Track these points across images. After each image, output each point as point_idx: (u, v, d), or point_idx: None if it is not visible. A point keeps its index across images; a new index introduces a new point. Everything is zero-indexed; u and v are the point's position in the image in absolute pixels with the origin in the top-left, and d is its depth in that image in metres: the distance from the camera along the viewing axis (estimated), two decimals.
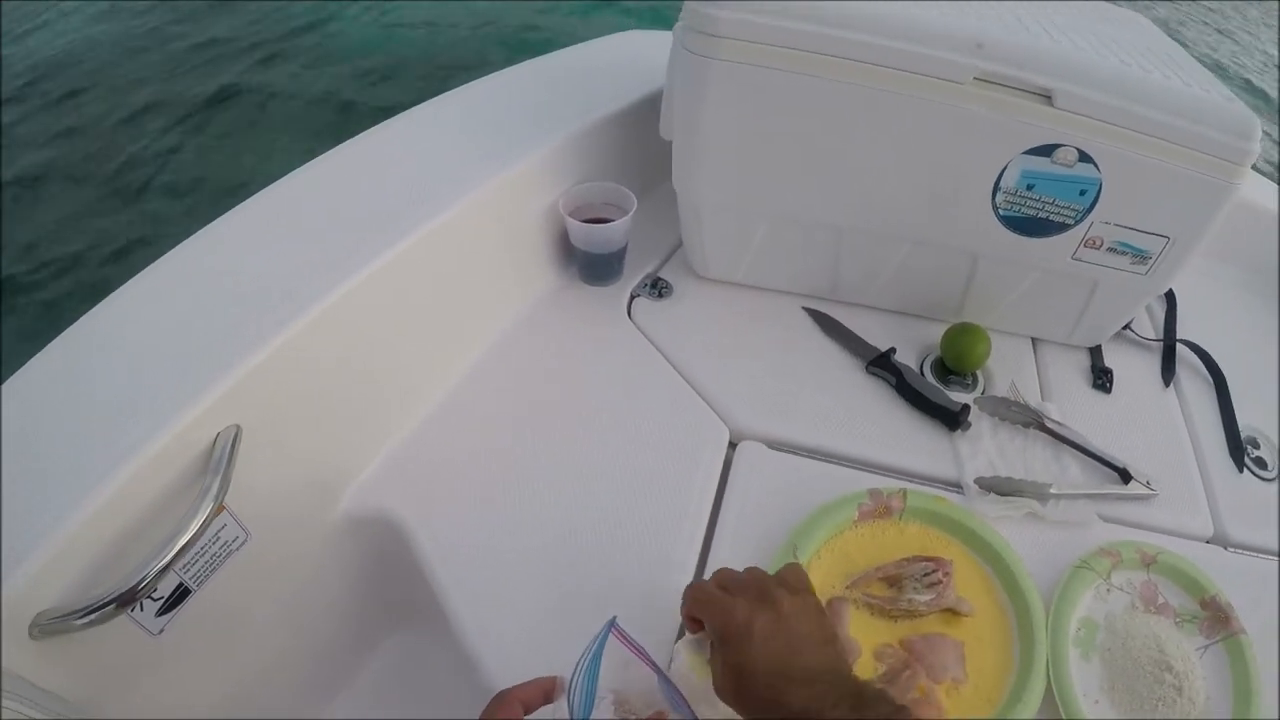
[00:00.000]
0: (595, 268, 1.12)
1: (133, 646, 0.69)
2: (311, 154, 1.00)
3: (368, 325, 0.86)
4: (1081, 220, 0.97)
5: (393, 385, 0.94)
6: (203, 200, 3.11)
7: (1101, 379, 1.11)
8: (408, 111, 1.13)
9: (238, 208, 0.91)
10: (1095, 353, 1.15)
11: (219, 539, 0.73)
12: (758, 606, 0.60)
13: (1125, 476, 0.99)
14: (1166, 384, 1.14)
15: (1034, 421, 1.01)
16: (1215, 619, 0.91)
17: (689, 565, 0.85)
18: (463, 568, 0.83)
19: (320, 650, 0.96)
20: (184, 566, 0.69)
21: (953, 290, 1.10)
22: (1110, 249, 1.00)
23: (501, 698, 0.58)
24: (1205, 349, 1.19)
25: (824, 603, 0.82)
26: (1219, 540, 0.99)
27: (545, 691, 0.60)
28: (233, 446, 0.68)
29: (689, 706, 0.64)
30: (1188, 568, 0.93)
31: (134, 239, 3.01)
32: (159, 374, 0.70)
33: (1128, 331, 1.19)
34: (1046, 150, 0.91)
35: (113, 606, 0.59)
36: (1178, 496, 1.00)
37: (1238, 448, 1.08)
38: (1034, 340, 1.17)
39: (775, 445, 0.98)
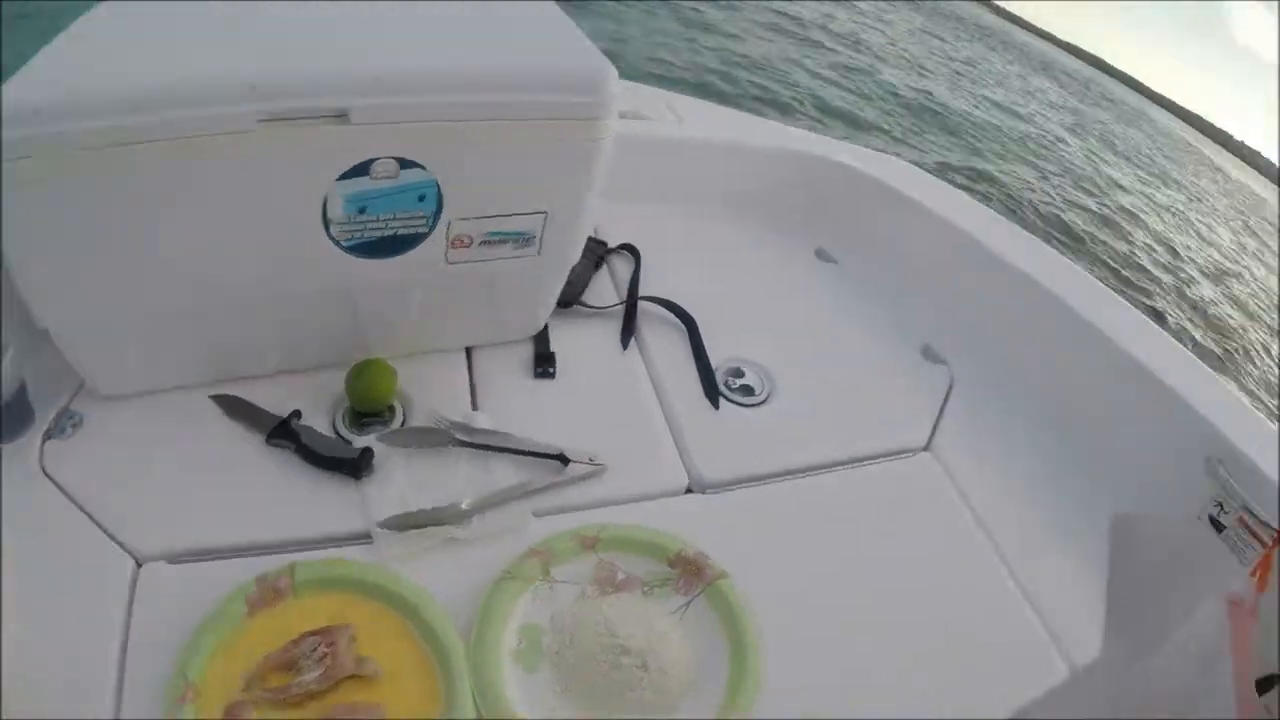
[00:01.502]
0: None
1: None
2: None
3: None
4: (434, 225, 0.98)
5: None
6: None
7: (543, 366, 1.14)
8: None
9: None
10: (540, 340, 1.18)
11: None
12: None
13: (564, 460, 0.99)
14: (625, 347, 1.19)
15: (451, 440, 0.99)
16: (688, 573, 0.92)
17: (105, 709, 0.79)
18: None
19: None
20: None
21: (344, 333, 1.09)
22: (484, 243, 1.02)
23: None
24: (672, 299, 1.25)
25: (224, 710, 0.78)
26: (697, 487, 1.03)
27: None
28: None
29: None
30: (641, 534, 0.94)
31: None
32: None
33: (581, 305, 1.23)
34: (362, 169, 0.91)
35: None
36: (640, 459, 1.04)
37: (712, 386, 1.14)
38: (468, 350, 1.18)
39: (180, 558, 0.92)
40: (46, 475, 1.00)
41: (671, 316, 1.22)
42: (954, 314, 1.35)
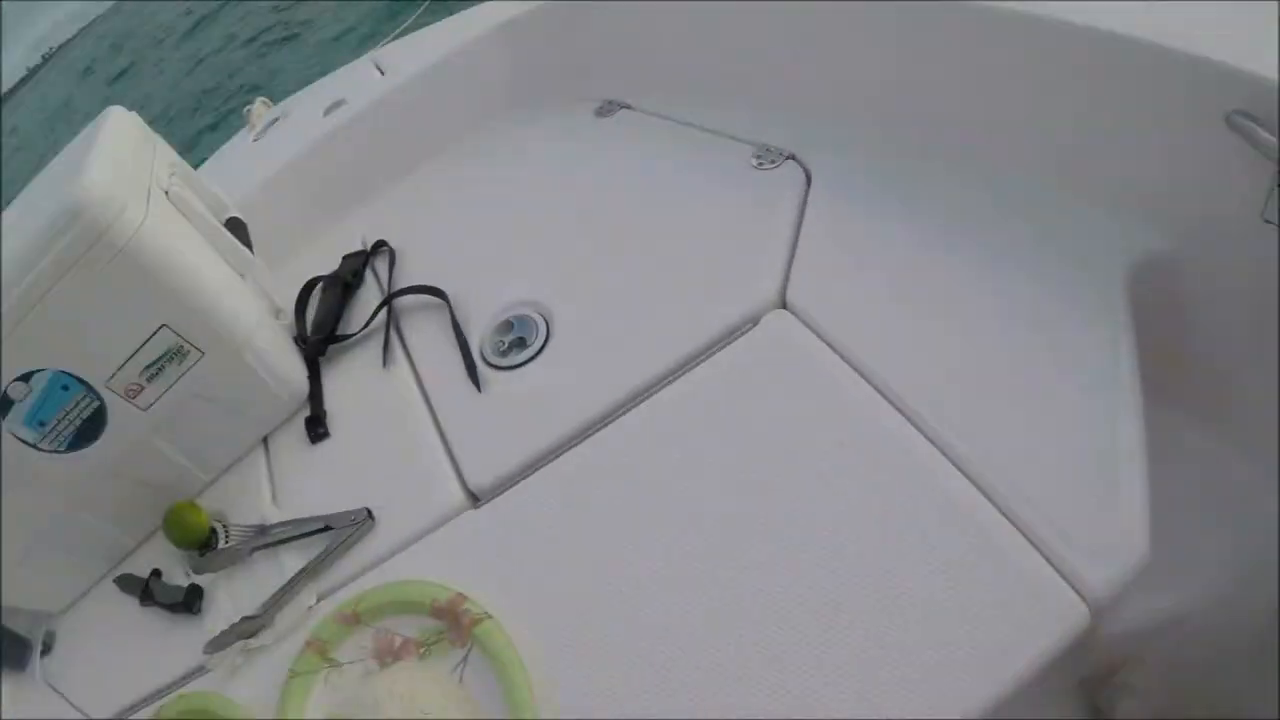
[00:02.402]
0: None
1: None
2: None
3: None
4: (97, 394, 1.01)
5: None
6: None
7: (314, 429, 1.10)
8: None
9: None
10: (315, 397, 1.13)
11: None
12: None
13: (330, 529, 0.98)
14: (385, 363, 1.10)
15: (244, 553, 1.03)
16: (454, 624, 0.85)
17: None
18: None
19: None
20: None
21: (144, 497, 1.14)
22: (150, 378, 1.02)
23: None
24: (427, 282, 1.13)
25: None
26: (480, 497, 0.94)
27: None
28: None
29: None
30: (394, 593, 0.89)
31: None
32: None
33: (338, 340, 1.16)
34: (6, 403, 0.97)
35: None
36: (415, 490, 0.97)
37: (471, 366, 1.02)
38: (265, 441, 1.16)
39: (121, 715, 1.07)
40: (49, 686, 1.17)
41: (435, 301, 1.10)
42: (789, 91, 1.03)
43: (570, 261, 1.06)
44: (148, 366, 1.00)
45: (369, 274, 1.26)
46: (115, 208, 0.91)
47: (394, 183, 1.42)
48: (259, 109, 1.96)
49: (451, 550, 0.90)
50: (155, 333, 0.98)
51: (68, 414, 1.01)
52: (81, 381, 0.98)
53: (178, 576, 1.12)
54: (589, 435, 0.90)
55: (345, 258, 1.27)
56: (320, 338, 1.15)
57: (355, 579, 0.95)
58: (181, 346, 1.00)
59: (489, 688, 0.79)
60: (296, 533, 1.00)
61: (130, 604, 1.16)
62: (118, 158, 0.99)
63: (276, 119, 1.84)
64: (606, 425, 0.89)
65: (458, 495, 0.93)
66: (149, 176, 1.01)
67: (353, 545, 0.96)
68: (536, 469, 0.91)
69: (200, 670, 1.01)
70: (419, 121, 1.44)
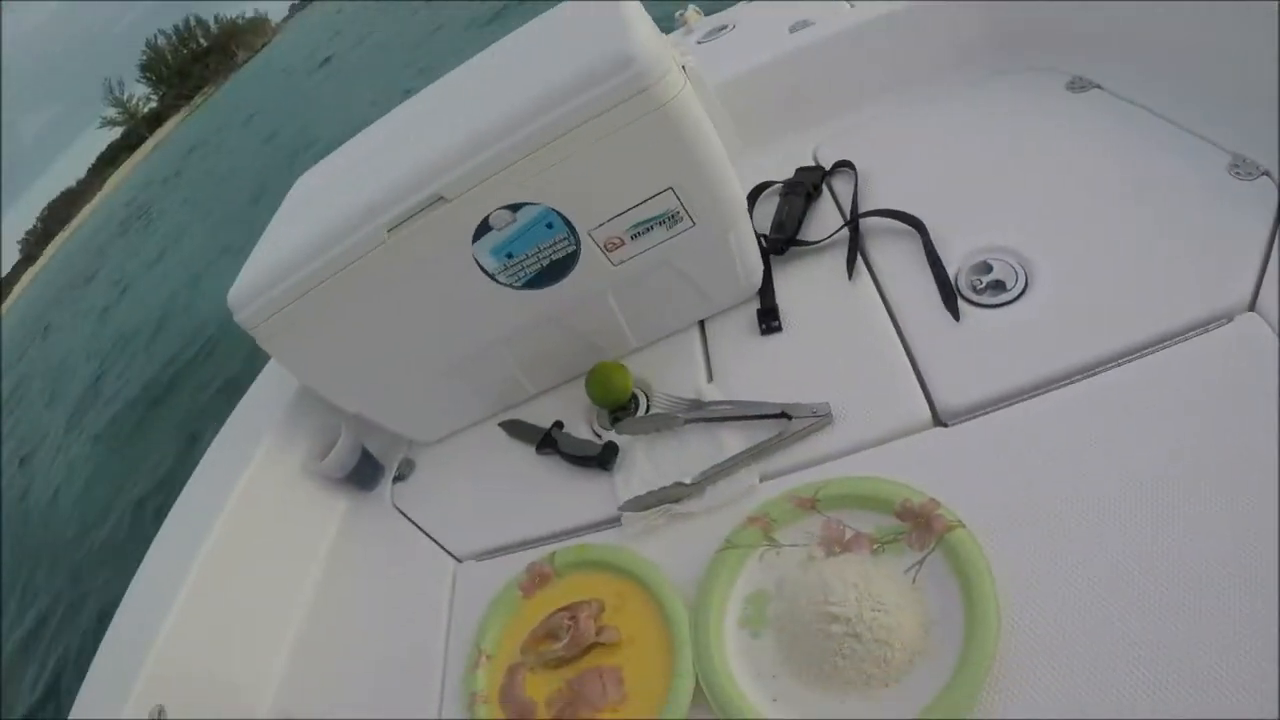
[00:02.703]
0: (356, 481, 1.39)
1: None
2: None
3: (220, 604, 1.17)
4: (578, 241, 1.05)
5: (257, 626, 1.23)
6: None
7: (767, 321, 1.10)
8: None
9: None
10: (765, 293, 1.14)
11: None
12: None
13: (789, 418, 0.97)
14: (850, 275, 1.09)
15: (679, 421, 1.05)
16: (919, 526, 0.83)
17: (435, 678, 1.02)
18: None
19: None
20: None
21: (575, 347, 1.21)
22: (635, 236, 1.04)
23: None
24: (898, 206, 1.11)
25: (505, 671, 0.98)
26: (944, 417, 0.92)
27: None
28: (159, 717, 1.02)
29: None
30: (862, 486, 0.88)
31: None
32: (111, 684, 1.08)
33: (799, 245, 1.16)
34: (484, 228, 1.02)
35: None
36: (877, 398, 0.97)
37: (950, 297, 1.00)
38: (701, 323, 1.19)
39: (485, 555, 1.14)
40: (397, 509, 1.31)
41: (902, 227, 1.08)
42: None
43: (1047, 224, 1.03)
44: (637, 224, 1.02)
45: (825, 190, 1.28)
46: (661, 69, 0.93)
47: (849, 111, 1.43)
48: (691, 14, 2.09)
49: (912, 462, 0.88)
50: (659, 194, 1.00)
51: (540, 252, 1.05)
52: (568, 224, 1.02)
53: (581, 433, 1.17)
54: (1061, 386, 0.86)
55: (800, 169, 1.29)
56: (783, 238, 1.16)
57: (800, 470, 0.94)
58: (677, 213, 1.02)
59: (942, 594, 0.76)
60: (743, 413, 1.00)
61: (509, 449, 1.25)
62: (653, 28, 1.02)
63: (724, 27, 1.91)
64: (1076, 382, 0.86)
65: (924, 412, 0.92)
66: (673, 51, 1.04)
67: (805, 437, 0.96)
68: (1008, 404, 0.88)
69: (594, 526, 1.05)
70: (883, 59, 1.44)
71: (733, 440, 1.00)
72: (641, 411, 1.13)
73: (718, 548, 0.90)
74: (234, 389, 1.71)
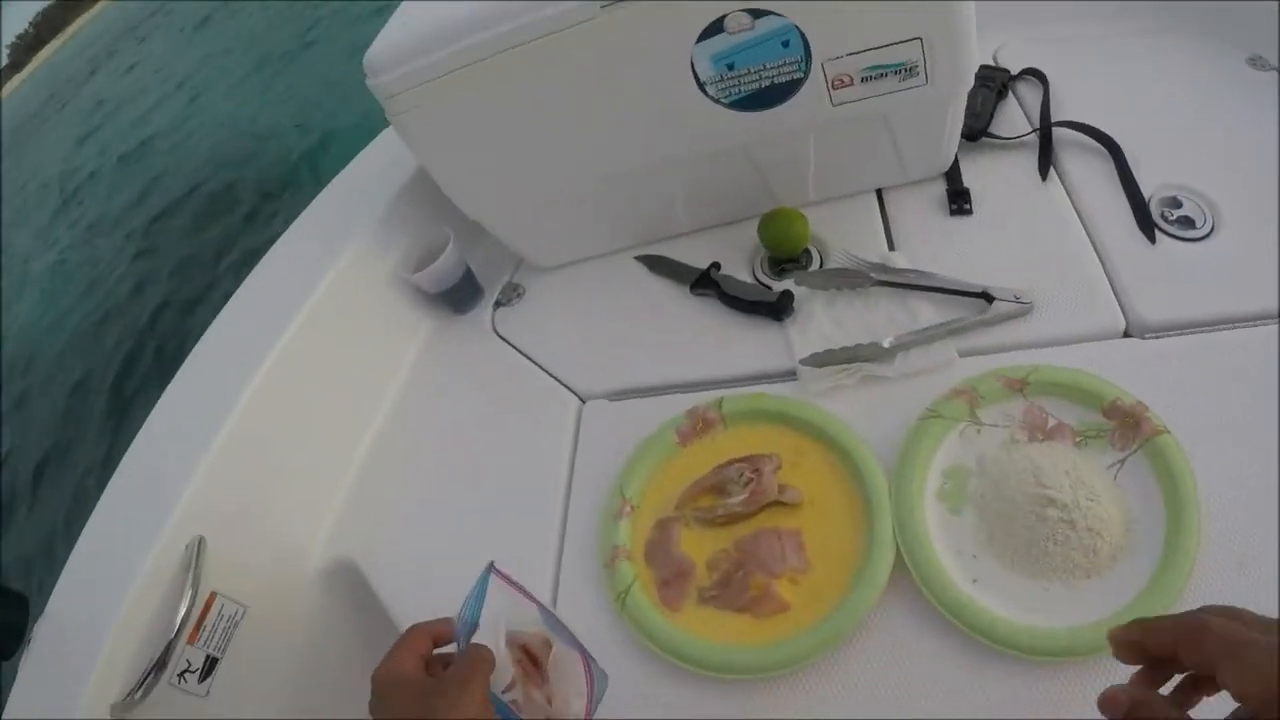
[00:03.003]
0: (452, 301, 1.28)
1: (193, 710, 0.91)
2: None
3: (280, 423, 1.08)
4: (808, 69, 0.95)
5: (321, 457, 1.13)
6: None
7: (958, 202, 1.07)
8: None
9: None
10: (952, 175, 1.11)
11: (223, 615, 0.95)
12: None
13: (989, 299, 0.95)
14: (1044, 177, 1.08)
15: (869, 280, 1.00)
16: (1124, 425, 0.82)
17: (555, 521, 0.96)
18: (403, 587, 0.99)
19: (344, 692, 1.10)
20: (203, 642, 0.92)
21: (751, 185, 1.12)
22: (865, 80, 0.96)
23: (415, 628, 0.67)
24: (1090, 123, 1.10)
25: (655, 525, 0.90)
26: (1136, 330, 0.92)
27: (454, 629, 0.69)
28: (198, 552, 0.91)
29: (573, 635, 0.71)
30: (1076, 378, 0.86)
31: None
32: (135, 510, 0.98)
33: (989, 138, 1.13)
34: (715, 27, 0.91)
35: (152, 676, 0.83)
36: (1068, 298, 0.95)
37: (1146, 218, 1.00)
38: (879, 192, 1.15)
39: (618, 395, 1.06)
40: (499, 335, 1.20)
41: (1091, 144, 1.08)
42: None
43: (1234, 177, 1.03)
44: (873, 68, 0.94)
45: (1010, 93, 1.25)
46: None
47: (1027, 25, 1.34)
48: None
49: (1103, 366, 0.86)
50: (907, 41, 0.92)
51: (764, 71, 0.94)
52: (806, 47, 0.91)
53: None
54: (1262, 324, 0.88)
55: (984, 67, 1.23)
56: (977, 127, 1.12)
57: (993, 353, 0.92)
58: (916, 66, 0.94)
59: (1144, 494, 0.77)
60: (940, 285, 0.96)
61: (647, 285, 1.17)
62: None
63: None
64: (1263, 325, 0.88)
65: (1117, 321, 0.92)
66: None
67: (1001, 322, 0.93)
68: (1206, 330, 0.89)
69: (759, 377, 0.99)
70: None
71: (926, 311, 0.96)
72: (814, 268, 1.07)
73: (918, 416, 0.86)
74: None
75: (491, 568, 0.71)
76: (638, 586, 0.85)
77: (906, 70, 0.94)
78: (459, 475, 1.09)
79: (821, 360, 0.93)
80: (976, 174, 1.10)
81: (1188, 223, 0.99)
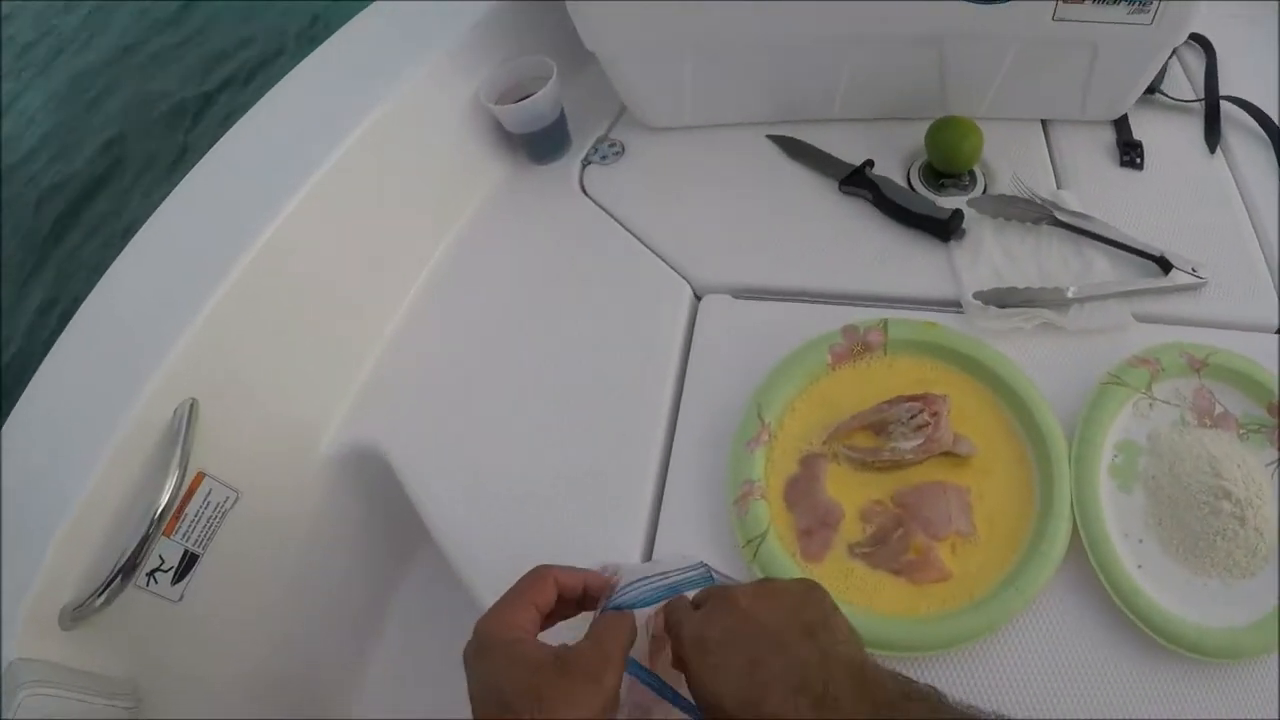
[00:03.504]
0: (536, 147, 1.09)
1: (160, 617, 0.75)
2: None
3: (307, 265, 0.88)
4: None
5: (349, 316, 0.96)
6: None
7: (1130, 154, 0.98)
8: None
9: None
10: (1121, 125, 1.02)
11: (209, 502, 0.79)
12: (711, 614, 0.51)
13: (1165, 265, 0.86)
14: (1212, 149, 1.00)
15: (1045, 216, 0.90)
16: None
17: (657, 438, 0.82)
18: (444, 489, 0.83)
19: (342, 602, 0.99)
20: (182, 534, 0.76)
21: (928, 83, 0.99)
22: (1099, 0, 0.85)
23: (539, 572, 0.55)
24: (1255, 103, 1.03)
25: (799, 460, 0.75)
26: None
27: (586, 585, 0.57)
28: (189, 418, 0.73)
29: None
30: (1250, 368, 0.80)
31: None
32: (106, 363, 0.77)
33: (1159, 96, 1.05)
34: None
35: (119, 580, 0.66)
36: (1234, 282, 0.88)
37: None
38: (1044, 123, 1.05)
39: (743, 294, 0.91)
40: (588, 195, 1.02)
41: (1253, 125, 1.01)
42: None
43: None
44: None
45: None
46: None
47: None
48: None
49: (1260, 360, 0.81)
50: None
51: None
52: None
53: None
54: None
55: None
56: (1153, 82, 1.02)
57: (1164, 324, 0.84)
58: (1150, 2, 0.84)
59: None
60: (1117, 239, 0.87)
61: (778, 171, 1.02)
62: None
63: None
64: None
65: (1273, 316, 0.85)
66: None
67: (1173, 292, 0.86)
68: None
69: (915, 301, 0.88)
70: None
71: (1100, 264, 0.87)
72: (978, 190, 0.95)
73: (1098, 379, 0.78)
74: None
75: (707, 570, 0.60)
76: (773, 533, 0.72)
77: (1140, 3, 0.84)
78: (523, 356, 0.92)
79: (995, 298, 0.82)
80: (1143, 129, 1.02)
81: None
